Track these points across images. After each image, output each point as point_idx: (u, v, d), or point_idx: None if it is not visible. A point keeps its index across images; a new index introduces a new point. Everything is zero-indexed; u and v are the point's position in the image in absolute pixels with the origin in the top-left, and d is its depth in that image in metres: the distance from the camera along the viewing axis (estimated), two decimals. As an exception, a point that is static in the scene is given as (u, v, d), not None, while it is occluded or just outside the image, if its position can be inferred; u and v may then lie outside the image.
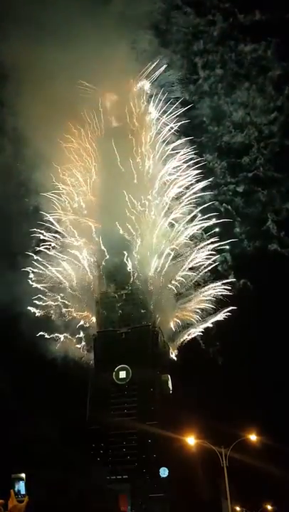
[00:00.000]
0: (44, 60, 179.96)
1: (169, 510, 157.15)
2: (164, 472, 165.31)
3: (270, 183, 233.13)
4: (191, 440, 45.06)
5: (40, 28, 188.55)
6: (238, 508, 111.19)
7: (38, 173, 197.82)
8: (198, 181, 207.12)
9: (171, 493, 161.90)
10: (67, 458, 61.64)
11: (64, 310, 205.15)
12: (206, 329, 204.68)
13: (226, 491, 43.10)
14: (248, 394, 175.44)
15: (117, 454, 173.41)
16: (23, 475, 9.11)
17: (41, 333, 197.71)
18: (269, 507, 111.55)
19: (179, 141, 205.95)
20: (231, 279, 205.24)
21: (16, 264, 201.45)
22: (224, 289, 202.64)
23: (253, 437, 44.94)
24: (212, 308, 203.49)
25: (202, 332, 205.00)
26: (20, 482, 8.99)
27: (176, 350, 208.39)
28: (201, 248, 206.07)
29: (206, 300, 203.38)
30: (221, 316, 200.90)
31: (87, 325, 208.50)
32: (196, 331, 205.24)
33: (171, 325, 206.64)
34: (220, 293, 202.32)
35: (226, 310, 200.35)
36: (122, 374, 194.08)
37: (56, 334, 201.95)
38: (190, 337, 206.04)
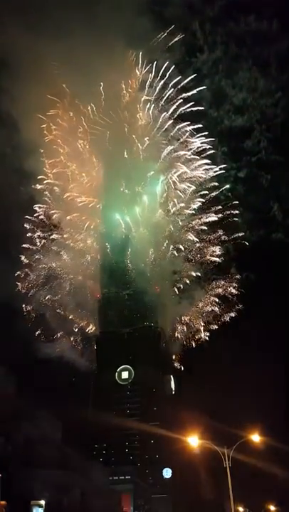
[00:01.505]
0: (40, 45, 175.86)
1: (171, 510, 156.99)
2: (167, 473, 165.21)
3: (274, 167, 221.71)
4: (193, 441, 44.94)
5: (35, 14, 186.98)
6: (241, 509, 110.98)
7: (33, 159, 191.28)
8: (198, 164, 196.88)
9: (173, 493, 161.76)
10: (70, 458, 61.59)
11: (62, 312, 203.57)
12: (209, 329, 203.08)
13: (228, 492, 43.00)
14: (250, 394, 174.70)
15: (120, 455, 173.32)
16: (42, 502, 9.04)
17: (41, 333, 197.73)
18: (272, 507, 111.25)
19: (177, 127, 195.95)
20: (235, 276, 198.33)
21: (13, 259, 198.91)
22: (229, 287, 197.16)
23: (255, 438, 44.81)
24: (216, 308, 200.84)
25: (206, 332, 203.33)
26: (39, 509, 8.90)
27: (178, 351, 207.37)
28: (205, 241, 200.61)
29: (210, 302, 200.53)
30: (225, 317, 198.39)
31: (90, 326, 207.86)
32: (199, 332, 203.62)
33: (174, 325, 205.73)
34: (223, 293, 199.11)
35: (229, 314, 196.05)
36: (125, 374, 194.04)
37: (58, 334, 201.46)
38: (193, 337, 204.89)
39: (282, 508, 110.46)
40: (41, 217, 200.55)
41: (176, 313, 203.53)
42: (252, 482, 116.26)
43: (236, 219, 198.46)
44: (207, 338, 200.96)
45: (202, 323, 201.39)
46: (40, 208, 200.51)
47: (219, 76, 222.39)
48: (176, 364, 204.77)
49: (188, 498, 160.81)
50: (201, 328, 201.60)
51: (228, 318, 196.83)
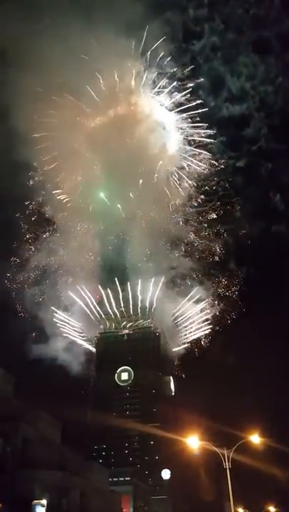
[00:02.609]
0: (36, 36, 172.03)
1: (171, 511, 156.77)
2: (165, 474, 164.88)
3: (275, 156, 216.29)
4: (193, 442, 44.77)
5: (31, 6, 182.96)
6: (240, 510, 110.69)
7: (30, 147, 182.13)
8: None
9: (173, 494, 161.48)
10: (69, 460, 61.34)
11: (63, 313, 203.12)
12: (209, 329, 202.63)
13: (228, 493, 42.87)
14: (250, 395, 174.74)
15: (119, 456, 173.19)
16: (44, 501, 8.92)
17: (39, 333, 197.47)
18: (272, 508, 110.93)
19: (177, 117, 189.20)
20: (235, 272, 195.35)
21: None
22: (229, 285, 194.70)
23: (255, 439, 44.65)
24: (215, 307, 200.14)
25: (205, 332, 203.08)
26: (42, 509, 8.77)
27: (178, 352, 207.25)
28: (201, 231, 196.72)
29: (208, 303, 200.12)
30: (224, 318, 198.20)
31: (89, 325, 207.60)
32: (199, 333, 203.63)
33: (174, 326, 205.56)
34: (223, 293, 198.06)
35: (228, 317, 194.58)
36: (124, 376, 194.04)
37: (57, 334, 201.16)
38: (192, 338, 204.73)
39: (282, 509, 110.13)
40: (34, 214, 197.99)
41: (176, 313, 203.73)
42: (252, 483, 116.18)
43: (235, 210, 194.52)
44: (207, 339, 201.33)
45: (202, 323, 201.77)
46: (32, 203, 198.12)
47: (217, 62, 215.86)
48: (175, 365, 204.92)
49: (188, 499, 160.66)
50: (201, 329, 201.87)
51: (228, 318, 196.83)
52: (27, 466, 49.97)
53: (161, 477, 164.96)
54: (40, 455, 52.51)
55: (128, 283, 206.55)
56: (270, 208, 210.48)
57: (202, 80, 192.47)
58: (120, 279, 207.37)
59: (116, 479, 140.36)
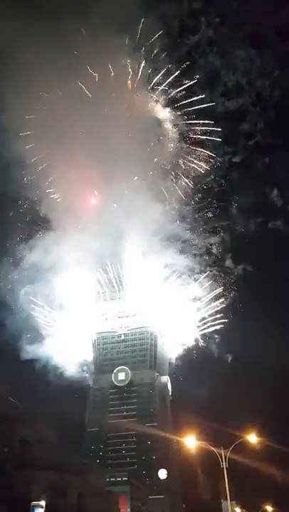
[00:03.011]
0: (34, 31, 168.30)
1: (168, 511, 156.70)
2: (162, 474, 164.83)
3: (271, 150, 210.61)
4: (190, 442, 44.85)
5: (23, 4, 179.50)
6: (238, 509, 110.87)
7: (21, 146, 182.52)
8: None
9: (170, 494, 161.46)
10: (67, 460, 61.35)
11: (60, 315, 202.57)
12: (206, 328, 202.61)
13: (226, 492, 42.97)
14: (247, 395, 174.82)
15: (117, 456, 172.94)
16: (42, 503, 9.02)
17: (36, 333, 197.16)
18: (269, 508, 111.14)
19: (170, 113, 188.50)
20: (232, 269, 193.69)
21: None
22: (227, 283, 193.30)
23: (252, 438, 44.76)
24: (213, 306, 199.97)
25: (202, 333, 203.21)
26: (40, 510, 8.85)
27: (175, 352, 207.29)
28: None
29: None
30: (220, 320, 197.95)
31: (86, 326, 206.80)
32: (196, 333, 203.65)
33: (171, 326, 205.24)
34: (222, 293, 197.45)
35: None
36: (121, 376, 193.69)
37: (53, 334, 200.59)
38: (190, 338, 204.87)
39: (280, 508, 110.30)
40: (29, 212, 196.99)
41: (173, 312, 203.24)
42: (249, 483, 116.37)
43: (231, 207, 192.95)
44: (205, 339, 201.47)
45: (199, 323, 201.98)
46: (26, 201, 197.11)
47: (213, 56, 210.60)
48: (173, 365, 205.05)
49: (186, 499, 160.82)
50: (198, 329, 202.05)
51: (225, 316, 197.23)
52: (24, 467, 49.99)
53: (158, 477, 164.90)
54: (37, 456, 52.52)
55: (125, 282, 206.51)
56: (267, 204, 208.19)
57: (198, 73, 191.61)
58: (117, 277, 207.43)
59: (113, 479, 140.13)
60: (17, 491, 46.18)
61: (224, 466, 41.65)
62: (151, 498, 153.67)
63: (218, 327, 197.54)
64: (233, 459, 43.38)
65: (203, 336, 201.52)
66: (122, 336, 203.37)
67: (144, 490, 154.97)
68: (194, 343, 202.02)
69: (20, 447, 52.34)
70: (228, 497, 42.96)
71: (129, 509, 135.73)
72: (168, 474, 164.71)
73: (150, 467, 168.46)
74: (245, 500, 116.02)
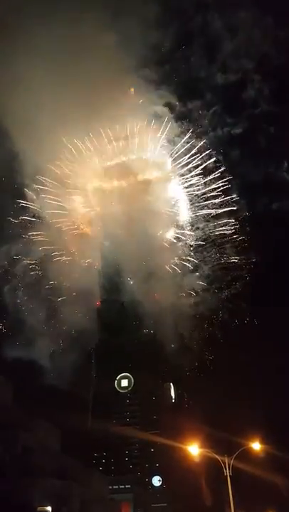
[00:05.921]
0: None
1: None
2: (155, 481, 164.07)
3: (277, 120, 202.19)
4: (194, 449, 44.66)
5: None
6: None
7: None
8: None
9: (173, 502, 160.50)
10: (69, 467, 61.12)
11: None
12: (210, 334, 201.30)
13: (229, 500, 42.69)
14: (251, 402, 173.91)
15: (120, 463, 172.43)
16: (49, 508, 9.01)
17: (36, 338, 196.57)
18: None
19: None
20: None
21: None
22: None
23: (256, 446, 44.55)
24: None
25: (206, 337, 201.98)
26: None
27: (178, 358, 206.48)
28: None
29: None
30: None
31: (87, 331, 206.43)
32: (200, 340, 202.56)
33: (173, 331, 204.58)
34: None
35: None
36: (124, 382, 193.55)
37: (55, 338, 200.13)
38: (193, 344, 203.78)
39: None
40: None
41: (176, 319, 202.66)
42: (252, 490, 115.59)
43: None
44: (208, 346, 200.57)
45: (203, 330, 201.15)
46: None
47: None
48: (176, 371, 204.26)
49: (189, 506, 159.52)
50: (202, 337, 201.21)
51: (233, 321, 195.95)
52: (27, 475, 49.79)
53: (161, 484, 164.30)
54: (40, 463, 52.35)
55: (126, 287, 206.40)
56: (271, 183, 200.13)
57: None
58: (119, 282, 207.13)
59: (116, 487, 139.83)
60: (19, 498, 46.01)
61: (228, 473, 41.43)
62: (154, 505, 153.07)
63: (222, 334, 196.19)
64: (236, 466, 43.16)
65: (208, 343, 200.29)
66: (125, 342, 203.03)
67: (147, 497, 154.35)
68: (199, 348, 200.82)
69: (23, 454, 52.18)
70: (232, 505, 42.61)
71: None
72: (171, 482, 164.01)
73: (153, 475, 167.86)
74: (249, 508, 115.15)
